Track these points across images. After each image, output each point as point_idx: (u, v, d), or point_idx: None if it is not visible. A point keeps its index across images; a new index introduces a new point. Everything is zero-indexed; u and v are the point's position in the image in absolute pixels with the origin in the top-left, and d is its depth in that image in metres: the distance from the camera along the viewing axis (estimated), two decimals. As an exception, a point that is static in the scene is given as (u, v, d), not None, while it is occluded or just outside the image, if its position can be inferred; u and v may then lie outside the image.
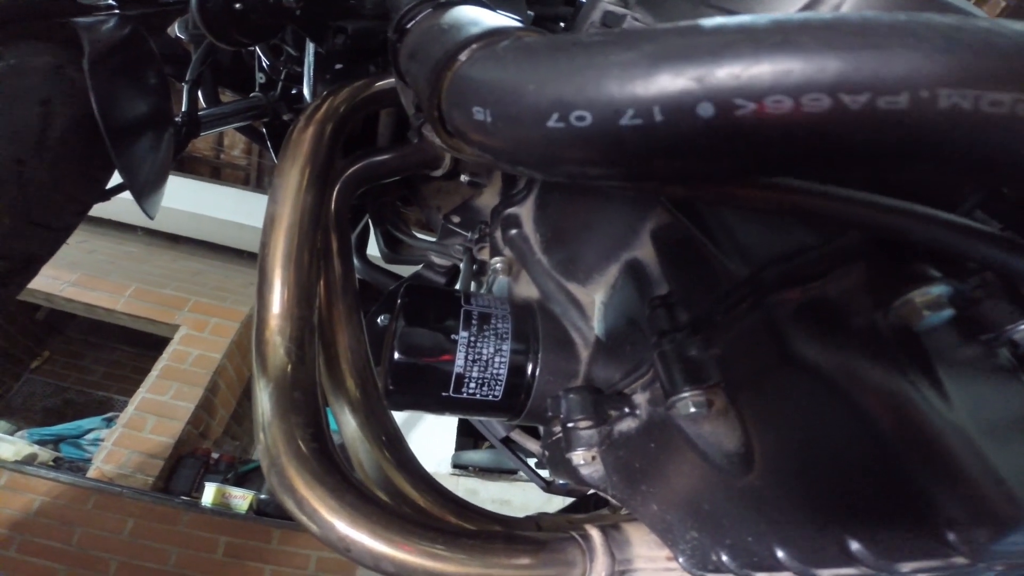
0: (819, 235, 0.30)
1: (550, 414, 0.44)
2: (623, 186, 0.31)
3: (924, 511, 0.23)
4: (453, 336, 0.45)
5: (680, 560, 0.37)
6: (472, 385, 0.45)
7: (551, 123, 0.24)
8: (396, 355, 0.44)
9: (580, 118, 0.23)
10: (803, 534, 0.28)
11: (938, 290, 0.25)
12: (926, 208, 0.25)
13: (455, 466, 2.77)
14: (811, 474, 0.28)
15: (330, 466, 0.41)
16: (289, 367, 0.47)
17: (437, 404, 0.47)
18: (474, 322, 0.46)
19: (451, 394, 0.45)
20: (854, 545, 0.25)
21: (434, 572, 0.37)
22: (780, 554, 0.29)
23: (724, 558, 0.33)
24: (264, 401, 0.44)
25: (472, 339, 0.45)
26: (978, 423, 0.24)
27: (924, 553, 0.24)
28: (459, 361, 0.44)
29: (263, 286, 0.53)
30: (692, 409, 0.31)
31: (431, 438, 2.87)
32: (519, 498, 2.59)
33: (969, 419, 0.24)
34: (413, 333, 0.45)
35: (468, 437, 2.88)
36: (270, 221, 0.57)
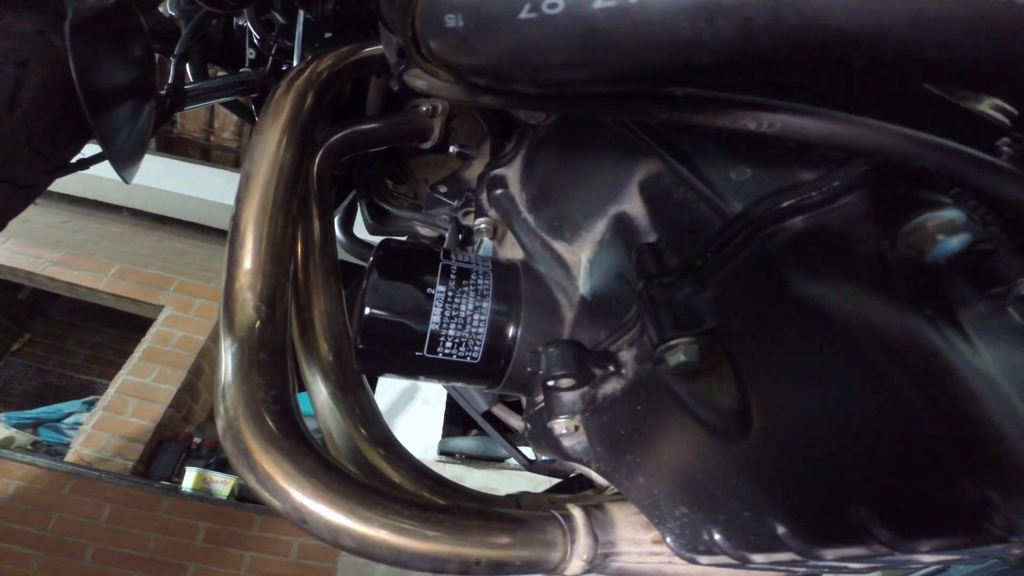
0: (817, 171, 0.28)
1: (529, 369, 0.41)
2: (611, 102, 0.27)
3: (955, 483, 0.20)
4: (429, 290, 0.41)
5: (668, 540, 0.34)
6: (448, 344, 0.41)
7: (523, 15, 0.22)
8: (367, 309, 0.40)
9: (552, 5, 0.21)
10: (809, 507, 0.25)
11: (951, 213, 0.23)
12: (935, 137, 0.23)
13: (442, 452, 2.73)
14: (819, 434, 0.24)
15: (291, 430, 0.38)
16: (257, 324, 0.45)
17: (411, 365, 0.43)
18: (452, 277, 0.42)
19: (425, 354, 0.41)
20: (871, 521, 0.22)
21: (398, 548, 0.34)
22: (781, 531, 0.25)
23: (717, 537, 0.30)
24: (227, 361, 0.42)
25: (450, 294, 0.41)
26: (1009, 376, 0.21)
27: (959, 539, 0.20)
28: (435, 317, 0.41)
29: (235, 242, 0.50)
30: (682, 358, 0.28)
31: (418, 424, 2.84)
32: (506, 486, 2.58)
33: (999, 370, 0.21)
34: (386, 286, 0.41)
35: (455, 424, 2.85)
36: (246, 178, 0.56)
